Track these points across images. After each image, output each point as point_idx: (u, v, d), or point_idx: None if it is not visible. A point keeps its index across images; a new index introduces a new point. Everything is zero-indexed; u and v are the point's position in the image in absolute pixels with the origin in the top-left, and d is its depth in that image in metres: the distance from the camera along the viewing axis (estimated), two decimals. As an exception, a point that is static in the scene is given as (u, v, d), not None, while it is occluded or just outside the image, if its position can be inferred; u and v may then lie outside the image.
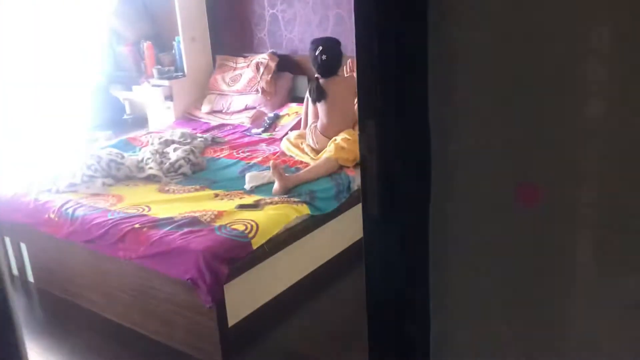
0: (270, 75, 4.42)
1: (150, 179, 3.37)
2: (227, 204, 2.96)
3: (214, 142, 4.04)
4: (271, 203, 2.92)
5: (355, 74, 3.71)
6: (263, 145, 3.93)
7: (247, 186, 3.17)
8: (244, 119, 4.43)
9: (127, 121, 4.95)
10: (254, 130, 4.21)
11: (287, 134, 3.99)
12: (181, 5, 4.59)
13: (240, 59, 4.71)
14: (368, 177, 1.44)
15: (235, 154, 3.79)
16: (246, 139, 4.11)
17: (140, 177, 3.39)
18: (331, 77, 3.57)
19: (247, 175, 3.25)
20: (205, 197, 3.09)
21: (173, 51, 4.83)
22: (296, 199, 2.96)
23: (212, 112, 4.64)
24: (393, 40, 1.27)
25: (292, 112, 4.27)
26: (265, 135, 4.13)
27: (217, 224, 2.71)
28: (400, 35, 1.26)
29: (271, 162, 3.08)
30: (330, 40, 3.60)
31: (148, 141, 3.86)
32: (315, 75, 3.62)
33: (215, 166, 3.58)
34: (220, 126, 4.47)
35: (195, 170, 3.47)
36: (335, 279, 3.17)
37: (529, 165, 1.05)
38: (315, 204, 2.99)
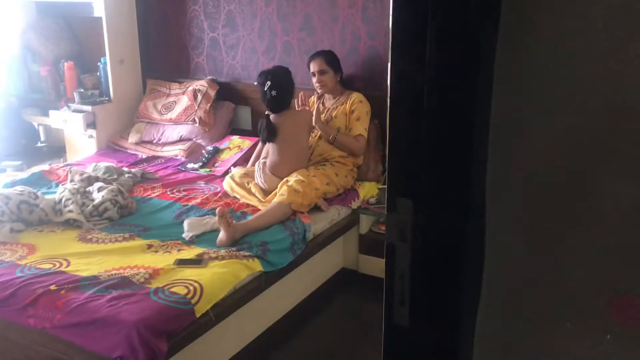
0: (209, 104, 4.00)
1: (70, 223, 2.87)
2: (164, 259, 2.51)
3: (145, 178, 3.57)
4: (216, 258, 2.50)
5: (308, 108, 3.37)
6: (201, 183, 3.50)
7: (186, 235, 2.74)
8: (178, 152, 3.98)
9: (41, 150, 4.38)
10: (190, 165, 3.77)
11: (229, 170, 3.58)
12: (109, 23, 4.11)
13: (175, 85, 4.27)
14: (397, 274, 1.08)
15: (169, 193, 3.34)
16: (181, 175, 3.65)
17: (58, 222, 2.88)
18: (282, 111, 3.21)
19: (186, 223, 2.82)
20: (137, 249, 2.62)
21: (98, 73, 4.33)
22: (246, 253, 2.56)
23: (141, 142, 4.15)
24: (451, 91, 0.93)
25: (233, 145, 3.86)
26: (203, 171, 3.70)
27: (152, 286, 2.27)
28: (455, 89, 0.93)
29: (218, 209, 2.66)
30: (280, 72, 3.24)
31: (67, 176, 3.33)
32: (266, 112, 3.25)
33: (146, 209, 3.11)
34: (151, 159, 3.99)
35: (124, 214, 3.00)
36: (289, 338, 2.79)
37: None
38: (268, 259, 2.59)
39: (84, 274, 2.37)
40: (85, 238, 2.73)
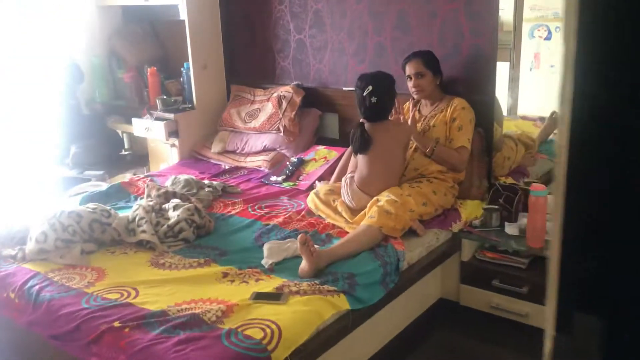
0: (294, 112, 3.72)
1: (143, 244, 2.66)
2: (240, 291, 2.23)
3: (226, 192, 3.32)
4: (297, 292, 2.18)
5: (406, 119, 2.99)
6: (284, 199, 3.21)
7: (265, 262, 2.45)
8: (262, 163, 3.72)
9: (124, 158, 4.26)
10: (273, 178, 3.49)
11: (314, 185, 3.27)
12: (192, 27, 3.92)
13: (259, 91, 4.02)
14: None
15: (250, 210, 3.07)
16: (264, 190, 3.38)
17: (130, 242, 2.67)
18: (379, 121, 2.86)
19: (266, 247, 2.53)
20: (211, 277, 2.36)
21: (181, 79, 4.15)
22: (331, 287, 2.22)
23: (224, 152, 3.93)
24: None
25: (319, 156, 3.55)
26: (286, 185, 3.41)
27: (225, 327, 1.98)
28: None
29: (299, 236, 2.35)
30: (383, 78, 2.88)
31: (144, 190, 3.14)
32: (360, 120, 2.91)
33: (225, 228, 2.85)
34: (234, 170, 3.76)
35: (200, 234, 2.75)
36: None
37: None
38: (356, 294, 2.25)
39: (152, 307, 2.13)
40: (158, 263, 2.50)
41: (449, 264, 2.88)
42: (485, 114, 3.10)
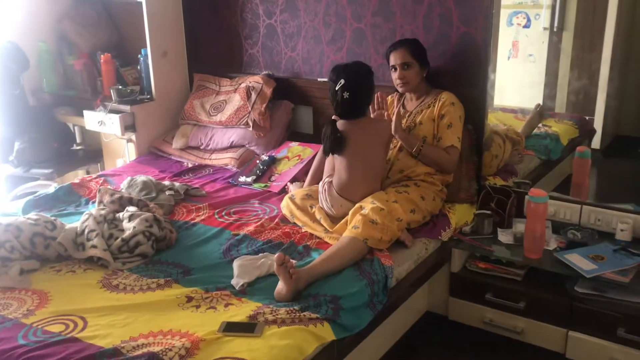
0: (264, 105, 3.39)
1: (93, 260, 2.31)
2: (207, 320, 1.91)
3: (189, 195, 2.99)
4: (275, 321, 1.88)
5: (389, 114, 2.70)
6: (255, 203, 2.89)
7: (235, 282, 2.13)
8: (229, 160, 3.39)
9: (76, 154, 3.87)
10: (242, 179, 3.16)
11: (287, 187, 2.97)
12: (151, 9, 3.54)
13: (225, 81, 3.67)
14: None
15: (217, 216, 2.75)
16: (232, 192, 3.06)
17: (79, 259, 2.33)
18: (355, 118, 2.56)
19: (236, 265, 2.21)
20: (173, 303, 2.03)
21: (139, 67, 3.77)
22: (313, 315, 1.93)
23: (187, 148, 3.58)
24: None
25: (293, 154, 3.24)
26: (257, 187, 3.09)
27: (189, 370, 1.67)
28: None
29: (277, 256, 2.04)
30: (358, 70, 2.57)
31: (95, 195, 2.77)
32: (333, 117, 2.61)
33: (189, 239, 2.52)
34: (198, 168, 3.41)
35: (161, 248, 2.42)
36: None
37: None
38: (341, 321, 1.95)
39: (103, 343, 1.80)
40: (110, 284, 2.16)
41: (437, 275, 2.62)
42: (475, 109, 2.84)
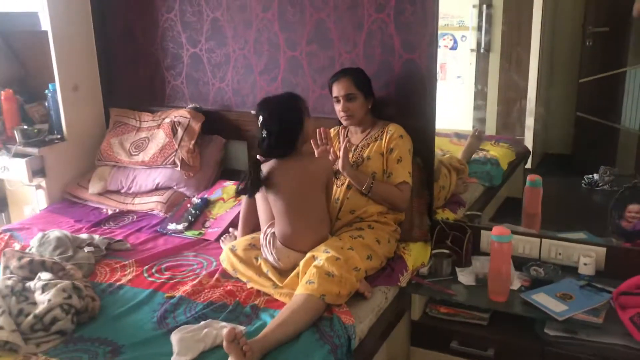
0: (192, 141, 3.08)
1: (0, 345, 1.92)
2: (145, 416, 1.59)
3: (111, 249, 2.62)
4: (229, 411, 1.58)
5: (334, 150, 2.46)
6: (190, 256, 2.57)
7: (176, 361, 1.82)
8: (155, 205, 3.05)
9: (-25, 205, 3.40)
10: (172, 226, 2.83)
11: (223, 236, 2.66)
12: (58, 39, 3.16)
13: (146, 115, 3.33)
14: None
15: (146, 275, 2.40)
16: (161, 242, 2.72)
17: (-19, 343, 1.93)
18: (284, 157, 2.31)
19: (175, 340, 1.88)
20: (102, 394, 1.69)
21: (46, 103, 3.37)
22: (273, 397, 1.64)
23: (106, 192, 3.20)
24: None
25: (228, 195, 2.94)
26: (190, 234, 2.77)
27: None
28: None
29: (226, 333, 1.74)
30: (280, 101, 2.32)
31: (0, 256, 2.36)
32: (257, 156, 2.34)
33: (114, 306, 2.17)
34: (119, 216, 3.05)
35: (82, 321, 2.06)
36: None
37: None
38: (306, 401, 1.69)
39: None
40: (22, 375, 1.79)
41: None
42: (423, 140, 2.66)
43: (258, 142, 2.31)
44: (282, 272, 2.26)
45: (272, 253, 2.28)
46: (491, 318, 2.36)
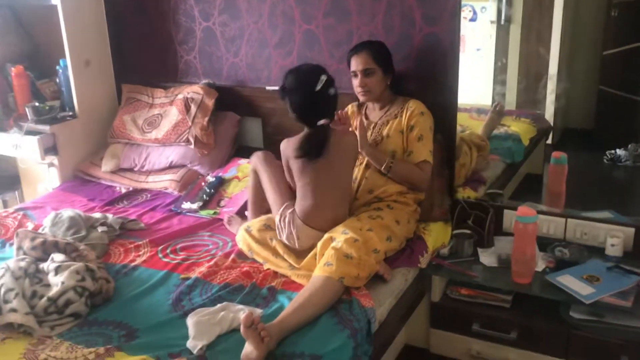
0: (206, 118, 3.01)
1: (14, 328, 1.89)
2: (161, 403, 1.55)
3: (124, 229, 2.58)
4: (246, 398, 1.54)
5: (352, 128, 2.39)
6: (205, 236, 2.52)
7: (192, 345, 1.77)
8: (169, 183, 2.99)
9: (-11, 182, 3.37)
10: (187, 205, 2.78)
11: (228, 217, 2.59)
12: (68, 13, 3.09)
13: (159, 92, 3.26)
14: None
15: (160, 256, 2.36)
16: (175, 222, 2.67)
17: (-6, 325, 1.90)
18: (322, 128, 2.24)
19: (191, 322, 1.84)
20: (117, 379, 1.66)
21: (57, 79, 3.30)
22: (292, 385, 1.60)
23: (119, 170, 3.15)
24: None
25: (243, 173, 2.88)
26: (205, 214, 2.72)
27: None
28: None
29: (244, 318, 1.69)
30: (301, 76, 2.24)
31: (13, 236, 2.33)
32: (319, 122, 2.25)
33: (129, 288, 2.13)
34: (132, 194, 3.00)
35: (96, 303, 2.02)
36: None
37: None
38: (325, 388, 1.64)
39: None
40: (36, 358, 1.75)
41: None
42: (444, 117, 2.57)
43: (307, 108, 2.23)
44: (299, 254, 2.21)
45: (292, 232, 2.21)
46: (514, 300, 2.30)
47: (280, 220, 2.26)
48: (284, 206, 2.28)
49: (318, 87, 2.16)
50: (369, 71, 2.43)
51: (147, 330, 1.88)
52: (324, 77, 2.17)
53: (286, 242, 2.24)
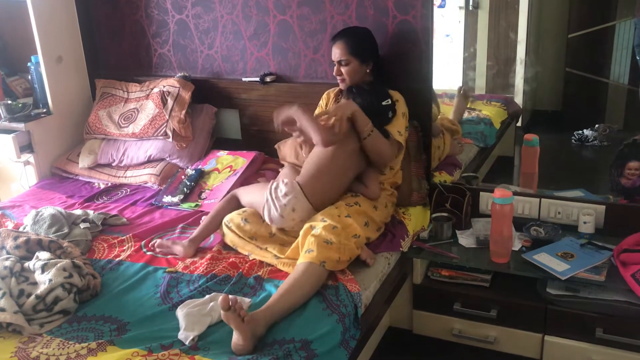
0: (183, 111, 3.01)
1: (3, 327, 1.89)
2: (157, 394, 1.58)
3: (106, 225, 2.58)
4: (240, 385, 1.58)
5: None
6: (187, 229, 2.54)
7: (183, 337, 1.80)
8: (148, 177, 2.99)
9: (-38, 183, 3.31)
10: (167, 198, 2.79)
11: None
12: (38, 8, 3.04)
13: (134, 86, 3.24)
14: None
15: (145, 249, 2.37)
16: (157, 216, 2.68)
17: (-18, 326, 1.90)
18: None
19: (182, 315, 1.87)
20: (111, 373, 1.68)
21: (29, 76, 3.26)
22: (284, 370, 1.64)
23: (96, 166, 3.13)
24: None
25: (222, 165, 2.90)
26: (186, 207, 2.73)
27: None
28: None
29: (220, 300, 1.71)
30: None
31: (-5, 237, 2.32)
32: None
33: (116, 283, 2.14)
34: (112, 189, 3.00)
35: (85, 299, 2.03)
36: None
37: None
38: (317, 372, 1.68)
39: None
40: (29, 356, 1.76)
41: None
42: (420, 103, 2.62)
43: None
44: (283, 244, 2.24)
45: (281, 203, 2.22)
46: (493, 279, 2.38)
47: (269, 194, 2.26)
48: (279, 180, 2.32)
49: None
50: (343, 61, 2.46)
51: (137, 324, 1.90)
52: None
53: (268, 220, 2.26)
